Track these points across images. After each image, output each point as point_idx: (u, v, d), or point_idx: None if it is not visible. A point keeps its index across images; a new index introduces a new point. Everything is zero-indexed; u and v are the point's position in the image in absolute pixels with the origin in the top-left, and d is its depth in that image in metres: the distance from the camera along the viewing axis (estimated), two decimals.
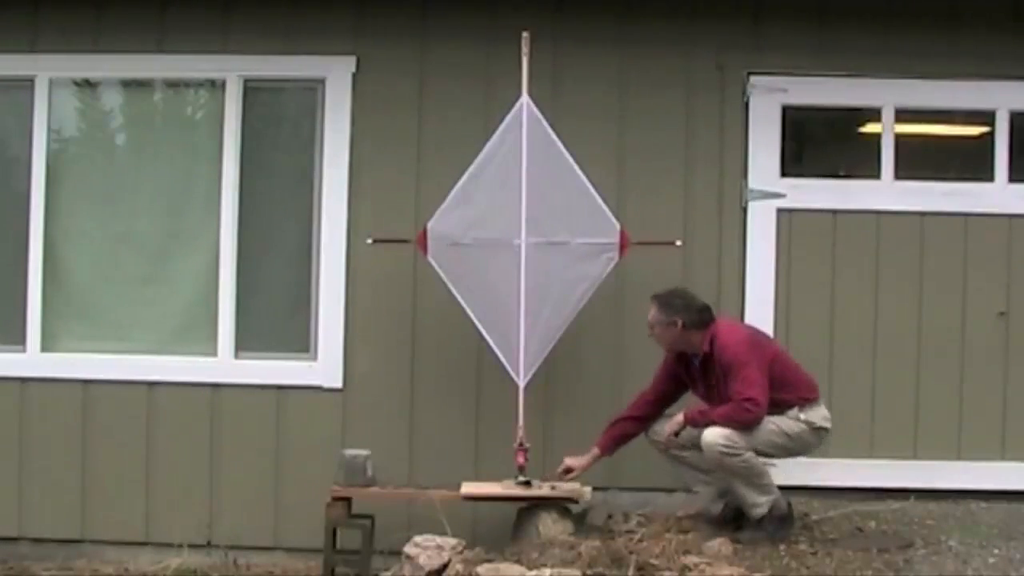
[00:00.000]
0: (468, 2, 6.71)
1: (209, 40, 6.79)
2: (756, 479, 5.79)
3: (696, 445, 5.81)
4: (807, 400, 5.87)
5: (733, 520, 5.96)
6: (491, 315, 6.25)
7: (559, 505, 5.99)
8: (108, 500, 6.75)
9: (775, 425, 5.78)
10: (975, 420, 6.67)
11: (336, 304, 6.76)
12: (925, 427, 6.68)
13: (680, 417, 5.91)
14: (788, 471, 6.09)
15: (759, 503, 5.81)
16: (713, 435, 5.71)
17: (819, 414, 5.88)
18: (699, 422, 5.81)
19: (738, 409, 5.71)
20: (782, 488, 5.98)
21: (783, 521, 5.85)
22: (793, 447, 5.87)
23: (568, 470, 6.10)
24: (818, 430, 5.88)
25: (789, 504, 5.90)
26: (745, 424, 5.71)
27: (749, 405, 5.70)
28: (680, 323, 5.91)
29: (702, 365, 5.93)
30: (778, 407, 5.79)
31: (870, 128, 6.80)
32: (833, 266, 6.71)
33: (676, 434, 5.92)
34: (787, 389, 5.83)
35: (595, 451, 6.13)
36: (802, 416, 5.83)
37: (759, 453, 5.77)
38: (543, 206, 6.20)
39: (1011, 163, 6.71)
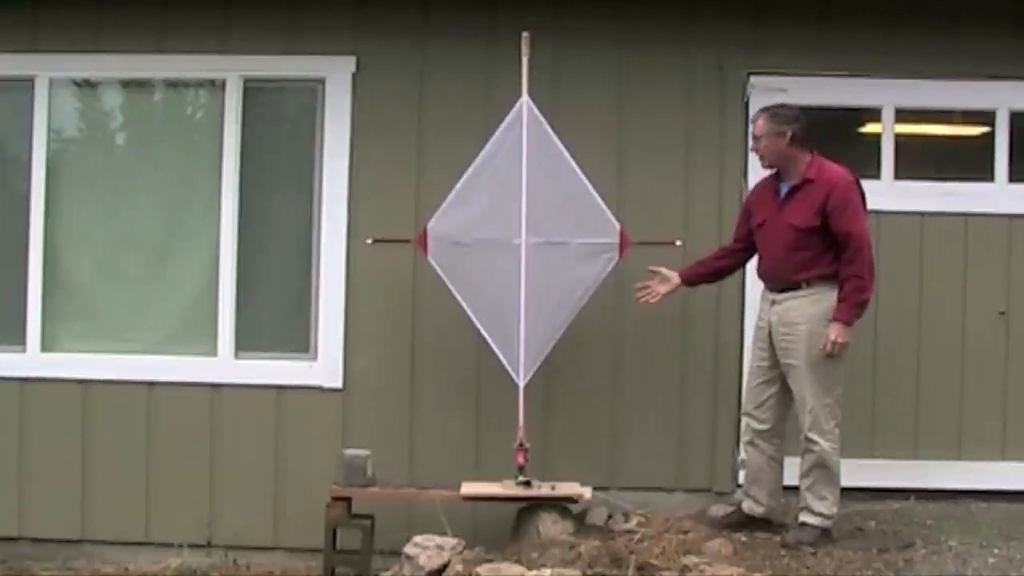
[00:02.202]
0: (468, 2, 6.71)
1: (209, 40, 6.79)
2: (838, 484, 5.82)
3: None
4: None
5: (741, 526, 5.94)
6: (491, 315, 6.24)
7: (559, 505, 5.99)
8: (108, 500, 6.75)
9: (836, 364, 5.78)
10: (975, 420, 6.67)
11: (336, 304, 6.76)
12: (925, 427, 6.68)
13: (838, 327, 5.69)
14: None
15: (829, 513, 5.81)
16: (808, 392, 5.72)
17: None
18: (854, 313, 5.69)
19: (852, 250, 5.65)
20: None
21: (828, 534, 5.85)
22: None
23: (652, 292, 6.15)
24: None
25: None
26: (868, 261, 5.68)
27: (860, 241, 5.65)
28: (790, 134, 5.82)
29: (791, 193, 5.83)
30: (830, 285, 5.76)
31: (870, 128, 6.80)
32: None
33: (840, 343, 5.71)
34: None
35: (677, 278, 6.16)
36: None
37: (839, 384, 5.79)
38: (543, 206, 6.20)
39: (1011, 163, 6.71)
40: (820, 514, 5.82)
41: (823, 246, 5.76)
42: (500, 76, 6.53)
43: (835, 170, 5.83)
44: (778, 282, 5.92)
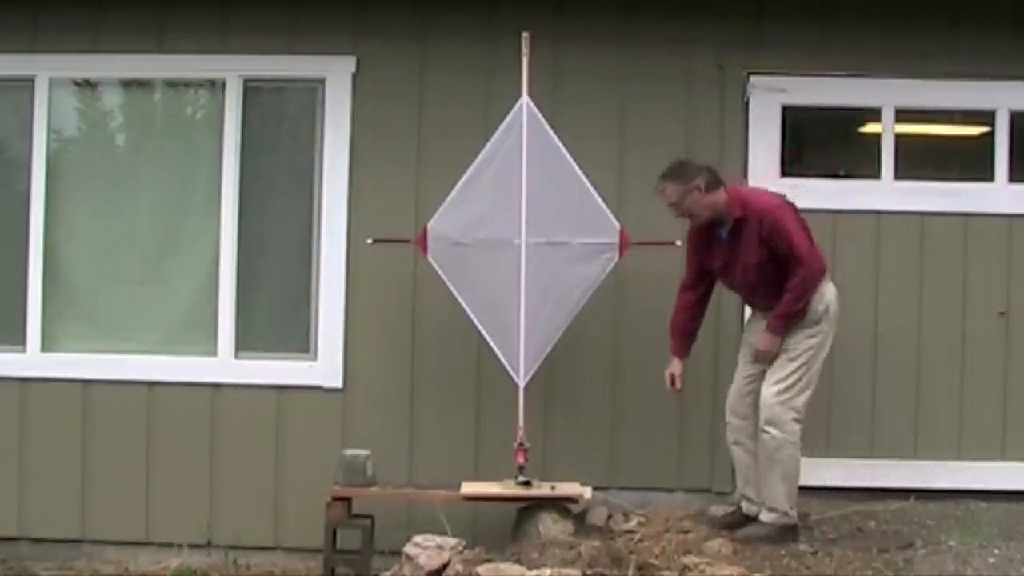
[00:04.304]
0: (468, 2, 6.71)
1: (209, 40, 6.78)
2: (793, 481, 5.80)
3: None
4: (822, 272, 5.85)
5: (739, 526, 5.95)
6: (491, 315, 6.24)
7: (559, 505, 5.99)
8: (108, 500, 6.75)
9: (805, 346, 5.78)
10: (975, 420, 6.67)
11: (336, 304, 6.76)
12: (925, 427, 6.68)
13: (768, 336, 5.79)
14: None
15: (782, 509, 5.82)
16: (768, 390, 5.75)
17: (831, 294, 5.89)
18: (783, 325, 5.75)
19: (798, 283, 5.70)
20: None
21: (789, 530, 5.84)
22: (826, 350, 5.88)
23: (672, 378, 6.09)
24: (834, 314, 5.89)
25: (797, 516, 5.92)
26: (813, 281, 5.71)
27: (806, 269, 5.68)
28: (702, 185, 5.82)
29: (732, 234, 5.85)
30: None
31: (870, 128, 6.80)
32: (833, 266, 6.67)
33: (769, 351, 5.80)
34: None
35: (676, 360, 6.12)
36: (820, 308, 5.83)
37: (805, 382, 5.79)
38: (543, 206, 6.20)
39: (1011, 163, 6.71)
40: (772, 509, 5.84)
41: (785, 268, 5.79)
42: (500, 76, 6.53)
43: (758, 200, 5.85)
44: (759, 307, 6.04)
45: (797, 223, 5.81)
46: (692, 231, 6.04)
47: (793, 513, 5.86)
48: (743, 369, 6.04)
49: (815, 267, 5.77)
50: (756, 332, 5.95)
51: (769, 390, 5.80)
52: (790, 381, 5.79)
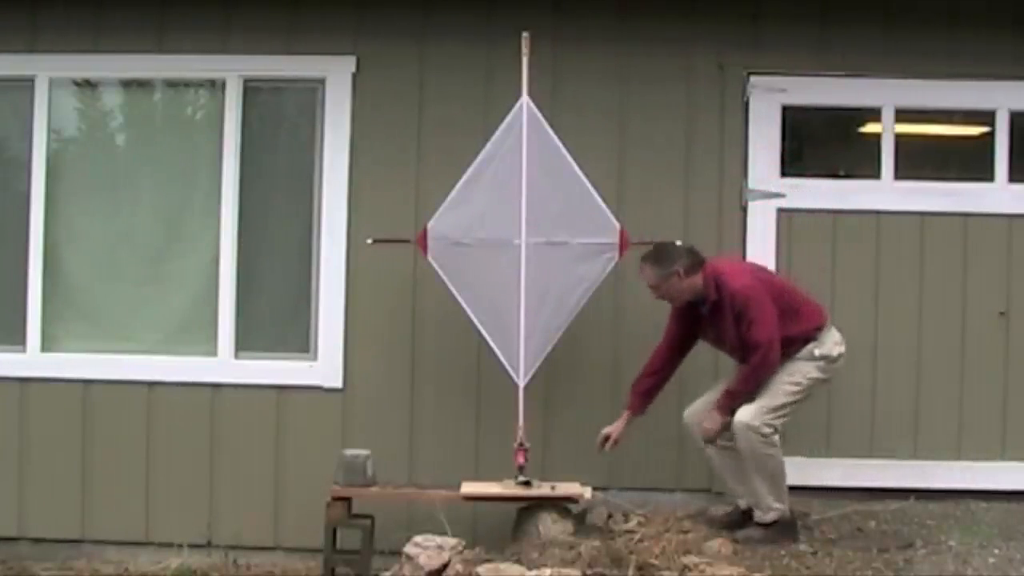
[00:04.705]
0: (468, 2, 6.71)
1: (209, 40, 6.78)
2: (779, 480, 5.80)
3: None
4: (818, 329, 5.86)
5: (739, 525, 5.95)
6: (491, 315, 6.25)
7: (559, 505, 5.99)
8: (108, 500, 6.76)
9: (793, 377, 5.78)
10: (975, 420, 6.67)
11: (336, 304, 6.76)
12: (925, 427, 6.68)
13: (714, 414, 5.85)
14: (788, 471, 6.07)
15: (774, 507, 5.82)
16: (744, 414, 5.71)
17: (832, 340, 5.89)
18: (730, 405, 5.78)
19: (754, 363, 5.72)
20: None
21: (787, 528, 5.85)
22: (816, 389, 5.89)
23: (606, 438, 6.09)
24: (835, 360, 5.89)
25: (793, 514, 5.90)
26: (768, 368, 5.71)
27: (763, 352, 5.69)
28: (680, 271, 5.85)
29: (711, 312, 5.89)
30: (791, 345, 5.77)
31: (870, 128, 6.80)
32: (833, 266, 6.71)
33: (716, 431, 5.85)
34: (797, 320, 5.82)
35: (626, 414, 6.12)
36: (817, 352, 5.83)
37: (789, 409, 5.76)
38: (543, 206, 6.20)
39: (1011, 163, 6.71)
40: (767, 508, 5.83)
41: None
42: (500, 76, 6.53)
43: (731, 282, 5.82)
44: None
45: (768, 304, 5.76)
46: (677, 309, 6.05)
47: (785, 507, 5.85)
48: (712, 393, 6.04)
49: (771, 356, 5.72)
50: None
51: (747, 409, 5.76)
52: (773, 404, 5.77)
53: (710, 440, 5.93)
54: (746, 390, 5.78)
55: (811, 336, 5.86)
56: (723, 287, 5.83)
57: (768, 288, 5.85)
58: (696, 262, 5.90)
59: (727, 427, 5.84)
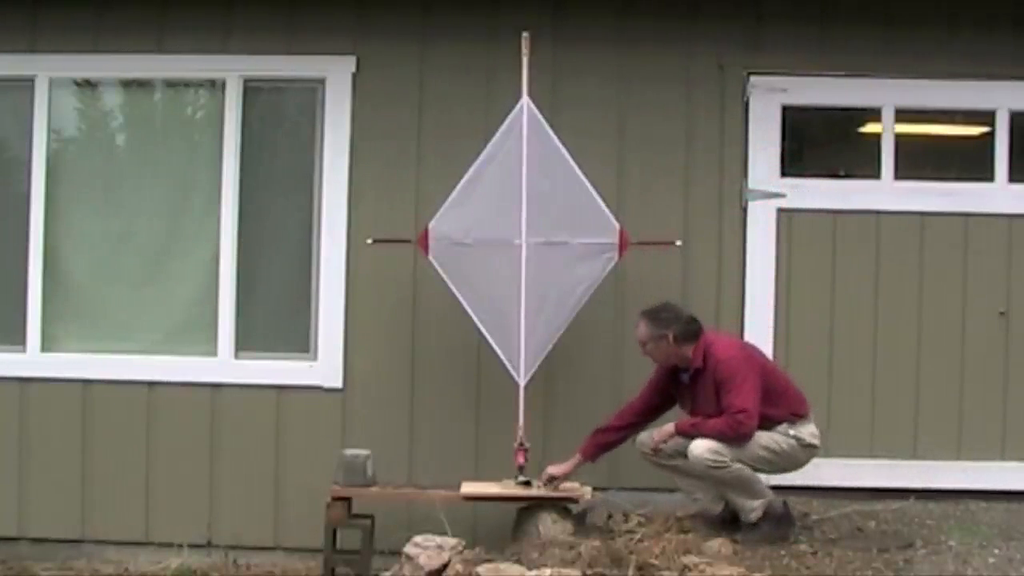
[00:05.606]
0: (468, 2, 6.71)
1: (209, 40, 6.79)
2: (747, 485, 5.78)
3: (683, 454, 5.79)
4: (797, 416, 5.85)
5: (732, 521, 5.95)
6: (491, 315, 6.25)
7: (559, 505, 5.99)
8: (108, 500, 6.76)
9: (764, 440, 5.76)
10: (975, 420, 6.67)
11: (336, 304, 6.76)
12: (925, 427, 6.68)
13: (670, 427, 5.88)
14: (794, 475, 6.07)
15: (753, 507, 5.81)
16: (700, 448, 5.69)
17: (808, 431, 5.86)
18: (690, 433, 5.78)
19: (730, 422, 5.68)
20: (782, 488, 6.00)
21: (780, 521, 5.84)
22: (781, 463, 5.84)
23: (551, 478, 6.05)
24: (807, 447, 5.85)
25: (785, 503, 5.90)
26: (736, 437, 5.68)
27: (742, 417, 5.67)
28: (671, 336, 5.86)
29: (692, 380, 5.90)
30: (768, 421, 5.77)
31: (870, 128, 6.80)
32: (833, 266, 6.71)
33: (664, 442, 5.89)
34: (777, 404, 5.81)
35: (577, 457, 6.06)
36: (791, 432, 5.81)
37: (750, 463, 5.75)
38: (543, 206, 6.20)
39: (1011, 163, 6.71)
40: (748, 510, 5.80)
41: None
42: (500, 76, 6.53)
43: (720, 352, 5.81)
44: None
45: (754, 377, 5.73)
46: (660, 371, 6.03)
47: (765, 499, 5.80)
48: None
49: (748, 424, 5.68)
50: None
51: (706, 443, 5.69)
52: (738, 453, 5.71)
53: (652, 449, 5.91)
54: (703, 433, 5.72)
55: (790, 420, 5.82)
56: (710, 356, 5.81)
57: (756, 365, 5.84)
58: (692, 332, 5.87)
59: (678, 449, 5.82)
